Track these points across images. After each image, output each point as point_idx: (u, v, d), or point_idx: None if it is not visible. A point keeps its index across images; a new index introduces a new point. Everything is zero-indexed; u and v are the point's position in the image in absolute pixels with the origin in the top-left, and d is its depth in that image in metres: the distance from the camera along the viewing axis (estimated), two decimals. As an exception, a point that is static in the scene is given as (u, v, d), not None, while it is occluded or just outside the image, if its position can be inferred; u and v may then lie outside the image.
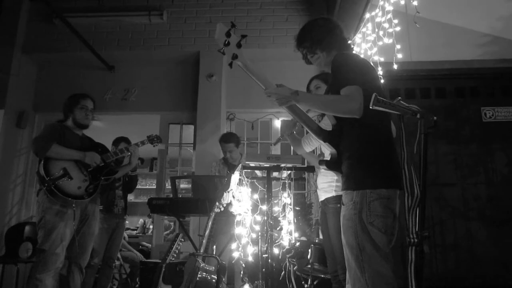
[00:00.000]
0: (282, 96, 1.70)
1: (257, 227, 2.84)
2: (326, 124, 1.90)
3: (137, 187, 4.32)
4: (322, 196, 2.67)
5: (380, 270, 1.52)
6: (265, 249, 2.57)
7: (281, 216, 3.00)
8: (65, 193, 2.88)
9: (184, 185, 6.99)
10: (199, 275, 2.76)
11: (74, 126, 3.16)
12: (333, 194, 2.53)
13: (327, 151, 2.62)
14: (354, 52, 1.96)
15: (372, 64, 1.90)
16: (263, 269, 2.55)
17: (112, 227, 3.85)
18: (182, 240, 3.01)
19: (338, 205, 2.46)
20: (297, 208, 4.14)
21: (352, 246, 1.58)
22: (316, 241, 3.13)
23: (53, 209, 2.87)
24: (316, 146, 2.70)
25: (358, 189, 1.61)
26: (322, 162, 1.83)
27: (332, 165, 1.77)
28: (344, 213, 1.66)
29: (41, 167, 2.88)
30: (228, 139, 3.89)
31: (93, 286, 3.81)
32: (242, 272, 3.40)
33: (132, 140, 4.15)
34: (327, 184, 2.60)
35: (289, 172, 2.88)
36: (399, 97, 1.33)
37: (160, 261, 2.99)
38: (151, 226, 7.28)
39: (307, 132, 2.44)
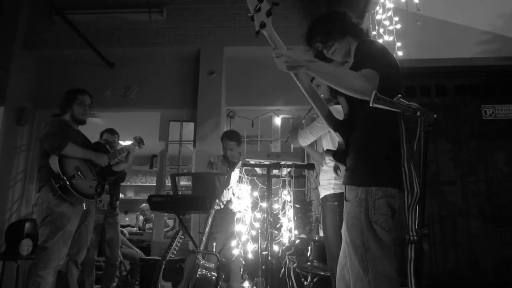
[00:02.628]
0: (293, 60, 1.54)
1: (257, 225, 2.84)
2: (336, 111, 1.87)
3: (137, 184, 4.32)
4: (322, 194, 2.68)
5: (384, 270, 1.49)
6: (265, 246, 2.58)
7: (281, 213, 3.00)
8: (79, 192, 2.89)
9: (184, 182, 6.99)
10: (199, 272, 2.77)
11: (72, 121, 3.15)
12: (331, 191, 2.54)
13: (328, 148, 2.63)
14: (371, 38, 1.87)
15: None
16: (263, 266, 2.56)
17: (100, 223, 3.81)
18: (182, 237, 3.01)
19: (336, 203, 2.46)
20: (297, 206, 4.15)
21: (357, 245, 1.53)
22: (316, 238, 3.14)
23: (61, 206, 2.85)
24: (311, 141, 2.71)
25: (363, 185, 1.56)
26: (329, 152, 1.79)
27: (338, 156, 1.72)
28: (349, 210, 1.60)
29: (55, 164, 2.84)
30: (231, 136, 3.89)
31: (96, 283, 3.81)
32: (242, 270, 3.40)
33: (131, 137, 4.15)
34: (326, 182, 2.61)
35: (289, 169, 2.88)
36: (399, 95, 1.32)
37: (160, 258, 2.99)
38: (147, 225, 7.29)
39: (307, 125, 2.42)
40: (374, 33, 3.63)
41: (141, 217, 7.73)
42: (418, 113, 1.27)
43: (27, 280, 2.78)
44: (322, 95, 2.53)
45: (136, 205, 7.84)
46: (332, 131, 1.76)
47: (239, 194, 3.03)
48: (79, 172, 2.93)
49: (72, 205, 2.90)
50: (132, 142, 3.61)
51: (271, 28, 1.57)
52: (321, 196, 2.70)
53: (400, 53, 3.42)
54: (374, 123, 1.61)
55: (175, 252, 2.91)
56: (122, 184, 4.25)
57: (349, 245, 1.58)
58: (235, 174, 3.09)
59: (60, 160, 2.87)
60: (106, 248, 3.85)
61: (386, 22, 3.48)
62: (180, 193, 5.77)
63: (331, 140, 2.66)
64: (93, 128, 3.34)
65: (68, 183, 2.81)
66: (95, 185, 3.05)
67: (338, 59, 1.88)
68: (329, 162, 2.59)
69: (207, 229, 2.95)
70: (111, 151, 3.38)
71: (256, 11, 1.53)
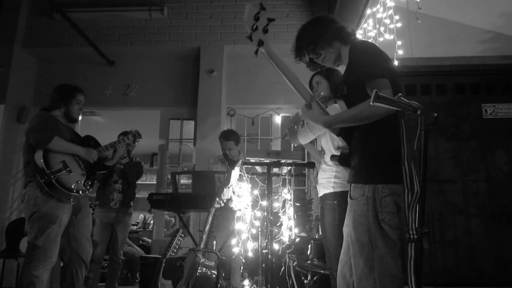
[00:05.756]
0: (314, 121, 1.70)
1: (257, 223, 2.84)
2: (334, 109, 1.87)
3: (137, 182, 4.31)
4: (321, 192, 2.67)
5: (389, 270, 1.48)
6: (265, 244, 2.58)
7: (281, 212, 3.00)
8: (65, 187, 2.79)
9: (184, 180, 7.00)
10: (199, 271, 2.77)
11: (63, 117, 3.07)
12: (331, 190, 2.53)
13: (327, 147, 2.63)
14: (362, 39, 1.88)
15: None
16: (263, 265, 2.56)
17: (110, 221, 3.84)
18: (182, 235, 3.01)
19: (335, 202, 2.46)
20: (297, 204, 4.15)
21: (363, 244, 1.53)
22: (316, 237, 3.14)
23: (49, 203, 2.75)
24: (311, 139, 2.70)
25: (370, 183, 1.56)
26: (334, 157, 1.79)
27: (343, 160, 1.73)
28: (355, 208, 1.60)
29: (39, 159, 2.74)
30: (228, 136, 3.88)
31: (100, 281, 3.82)
32: (242, 268, 3.41)
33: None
34: (326, 180, 2.60)
35: (289, 168, 2.88)
36: (400, 93, 1.32)
37: (160, 256, 2.99)
38: (151, 221, 7.31)
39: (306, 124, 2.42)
40: (374, 31, 3.63)
41: (140, 216, 7.75)
42: (419, 112, 1.26)
43: (21, 279, 2.68)
44: (322, 93, 2.54)
45: (136, 203, 7.83)
46: (334, 135, 1.76)
47: (239, 192, 3.03)
48: (65, 167, 2.83)
49: (60, 201, 2.80)
50: (117, 139, 3.51)
51: (268, 45, 1.60)
52: (320, 194, 2.70)
53: (400, 52, 3.42)
54: (376, 122, 1.59)
55: (175, 250, 2.91)
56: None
57: (354, 243, 1.57)
58: (235, 172, 3.09)
59: (45, 155, 2.76)
60: (111, 245, 3.87)
61: (387, 21, 3.48)
62: (180, 192, 5.78)
63: (330, 139, 2.66)
64: (93, 126, 3.34)
65: (53, 178, 2.72)
66: (83, 180, 2.96)
67: (329, 65, 1.91)
68: (328, 160, 2.59)
69: (207, 227, 2.95)
70: (117, 146, 3.30)
71: (253, 30, 1.55)
